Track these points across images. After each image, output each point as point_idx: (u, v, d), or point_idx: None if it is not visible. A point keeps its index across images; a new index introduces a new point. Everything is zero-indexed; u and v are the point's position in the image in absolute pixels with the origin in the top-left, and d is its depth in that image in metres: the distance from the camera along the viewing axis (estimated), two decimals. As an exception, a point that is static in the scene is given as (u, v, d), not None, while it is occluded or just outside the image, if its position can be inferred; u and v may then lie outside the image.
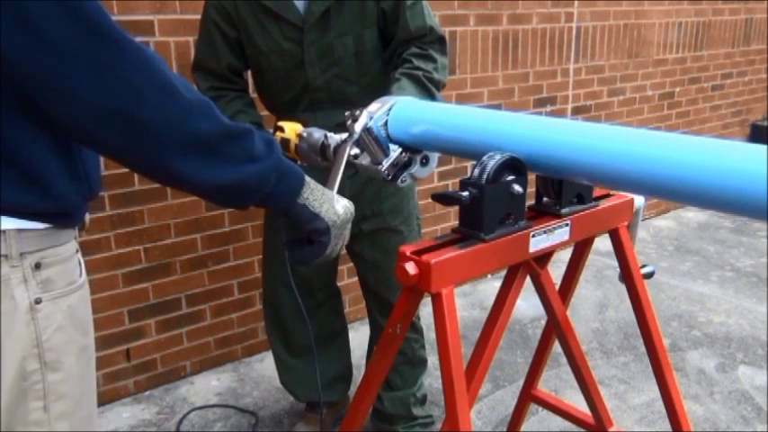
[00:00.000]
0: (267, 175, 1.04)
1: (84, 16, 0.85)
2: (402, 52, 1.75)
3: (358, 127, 1.28)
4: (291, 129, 1.52)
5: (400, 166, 1.32)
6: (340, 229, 1.15)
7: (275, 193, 1.07)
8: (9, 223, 0.93)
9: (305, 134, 1.47)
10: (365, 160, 1.32)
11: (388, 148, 1.29)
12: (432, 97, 1.65)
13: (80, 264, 1.06)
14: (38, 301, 0.96)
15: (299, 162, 1.56)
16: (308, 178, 1.12)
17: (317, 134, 1.43)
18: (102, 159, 1.07)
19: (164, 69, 0.92)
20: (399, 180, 1.33)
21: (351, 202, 1.18)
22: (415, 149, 1.32)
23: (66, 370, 1.01)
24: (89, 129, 0.90)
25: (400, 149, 1.30)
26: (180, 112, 0.93)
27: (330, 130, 1.44)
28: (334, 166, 1.31)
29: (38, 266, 0.96)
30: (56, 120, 0.90)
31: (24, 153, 0.92)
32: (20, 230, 0.94)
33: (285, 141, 1.53)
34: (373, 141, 1.28)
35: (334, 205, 1.14)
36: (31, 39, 0.83)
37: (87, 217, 1.09)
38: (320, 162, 1.41)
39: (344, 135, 1.34)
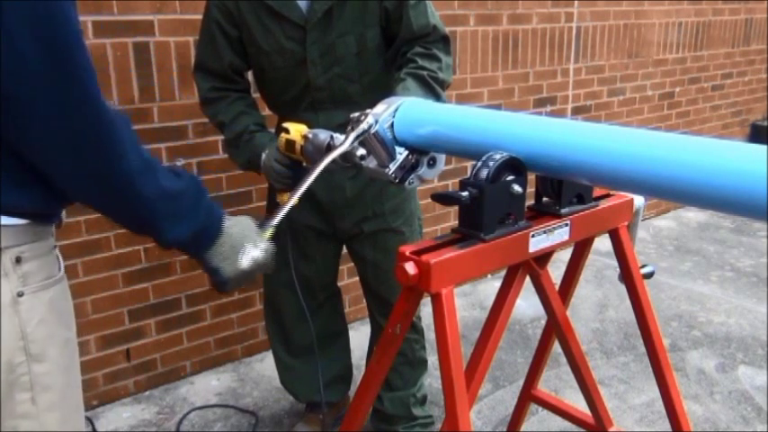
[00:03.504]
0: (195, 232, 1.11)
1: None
2: (406, 52, 1.75)
3: (359, 128, 1.27)
4: (297, 130, 1.51)
5: (407, 169, 1.31)
6: (243, 279, 1.18)
7: (193, 243, 1.13)
8: None
9: (310, 135, 1.46)
10: (372, 163, 1.31)
11: (394, 150, 1.28)
12: (437, 97, 1.64)
13: (58, 259, 1.08)
14: (20, 294, 0.98)
15: (304, 163, 1.56)
16: (224, 229, 1.15)
17: (323, 135, 1.42)
18: None
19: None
20: (407, 182, 1.32)
21: (270, 247, 1.20)
22: (421, 151, 1.31)
23: (50, 362, 1.03)
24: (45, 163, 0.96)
25: (407, 152, 1.29)
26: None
27: (332, 130, 1.43)
28: (313, 166, 1.30)
29: (18, 261, 0.98)
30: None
31: (8, 153, 0.93)
32: None
33: (290, 143, 1.52)
34: (379, 145, 1.27)
35: (238, 260, 1.16)
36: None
37: (63, 214, 1.11)
38: None
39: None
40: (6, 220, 0.96)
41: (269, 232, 1.22)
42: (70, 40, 0.90)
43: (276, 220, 1.23)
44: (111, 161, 0.96)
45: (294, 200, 1.24)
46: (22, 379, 0.99)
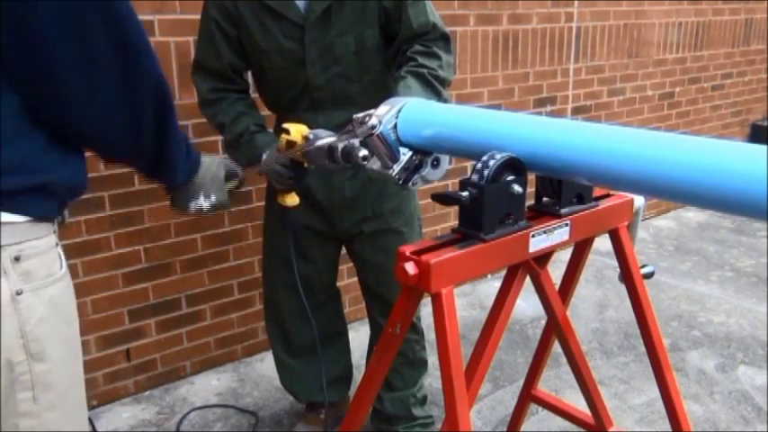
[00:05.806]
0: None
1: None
2: (406, 50, 1.74)
3: (363, 129, 1.27)
4: (297, 131, 1.50)
5: (411, 170, 1.30)
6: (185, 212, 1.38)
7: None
8: None
9: (311, 136, 1.45)
10: (375, 164, 1.30)
11: (398, 151, 1.28)
12: (438, 95, 1.64)
13: (60, 256, 1.08)
14: (19, 293, 0.97)
15: (305, 164, 1.55)
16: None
17: (324, 136, 1.42)
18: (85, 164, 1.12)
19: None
20: (411, 183, 1.31)
21: (224, 200, 1.40)
22: (425, 152, 1.30)
23: (51, 360, 1.02)
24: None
25: (411, 153, 1.28)
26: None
27: (331, 130, 1.43)
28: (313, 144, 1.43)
29: (17, 259, 0.98)
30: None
31: (16, 146, 0.93)
32: None
33: (291, 143, 1.51)
34: (383, 146, 1.26)
35: (188, 202, 1.36)
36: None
37: (66, 212, 1.11)
38: (328, 164, 1.38)
39: (354, 140, 1.33)
40: (6, 218, 0.96)
41: (232, 184, 1.41)
42: (139, 39, 1.03)
43: (240, 175, 1.46)
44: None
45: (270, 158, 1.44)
46: (23, 378, 0.99)
